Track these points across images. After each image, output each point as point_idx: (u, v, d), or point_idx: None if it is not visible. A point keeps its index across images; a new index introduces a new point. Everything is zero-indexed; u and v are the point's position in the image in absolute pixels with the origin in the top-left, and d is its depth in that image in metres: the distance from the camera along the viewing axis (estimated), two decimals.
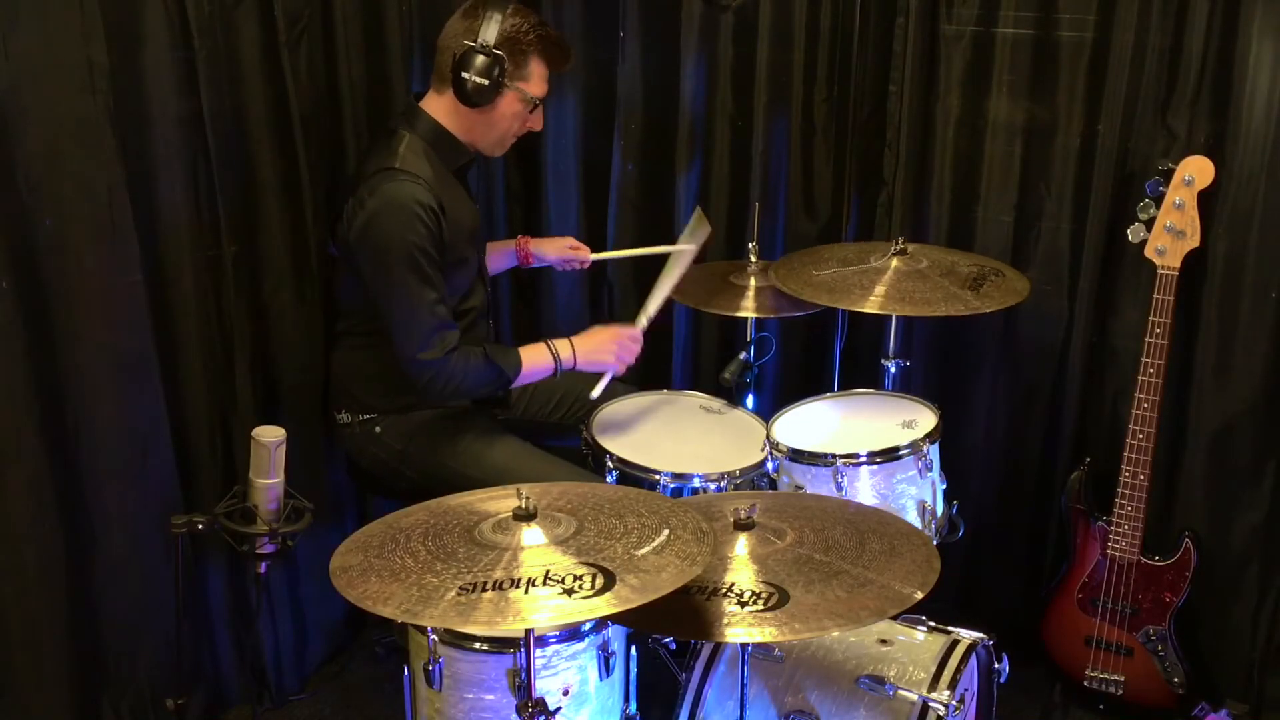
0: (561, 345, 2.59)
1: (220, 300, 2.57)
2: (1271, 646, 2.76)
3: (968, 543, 2.73)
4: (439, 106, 2.52)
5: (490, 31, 2.43)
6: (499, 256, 2.92)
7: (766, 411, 2.68)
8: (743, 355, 2.84)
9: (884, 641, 2.23)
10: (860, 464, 2.43)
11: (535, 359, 2.57)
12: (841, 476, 2.41)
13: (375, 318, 2.50)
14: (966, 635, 2.25)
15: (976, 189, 2.92)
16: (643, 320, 2.68)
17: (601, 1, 3.07)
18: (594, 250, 2.97)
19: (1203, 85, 2.60)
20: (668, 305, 2.78)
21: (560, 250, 2.95)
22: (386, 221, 2.38)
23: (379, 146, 2.51)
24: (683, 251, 2.77)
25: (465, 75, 2.43)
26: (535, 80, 2.53)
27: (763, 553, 1.92)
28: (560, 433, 2.87)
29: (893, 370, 2.80)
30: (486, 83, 2.44)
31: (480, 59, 2.43)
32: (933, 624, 2.29)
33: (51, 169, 2.19)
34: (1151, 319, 2.56)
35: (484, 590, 1.66)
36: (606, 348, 2.61)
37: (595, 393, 2.63)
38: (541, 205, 3.21)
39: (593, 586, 1.66)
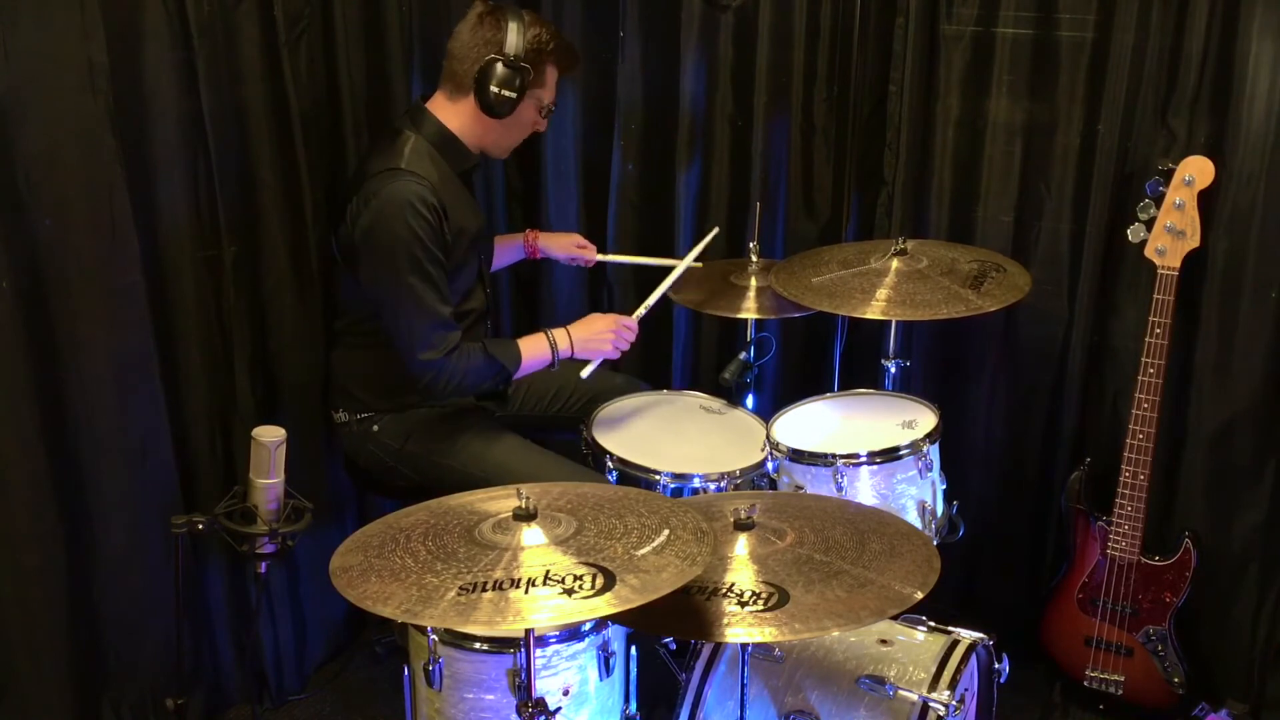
0: (559, 335, 2.60)
1: (220, 300, 2.58)
2: (1271, 646, 2.75)
3: (968, 543, 2.73)
4: (450, 112, 2.51)
5: (515, 43, 2.43)
6: (506, 250, 2.94)
7: (766, 411, 2.68)
8: (743, 355, 2.84)
9: (884, 641, 2.23)
10: (860, 464, 2.43)
11: (534, 350, 2.58)
12: (841, 476, 2.41)
13: (374, 317, 2.50)
14: (966, 635, 2.25)
15: (976, 189, 2.92)
16: (640, 311, 2.68)
17: (601, 1, 3.07)
18: (600, 251, 2.98)
19: (1203, 85, 2.59)
20: (666, 303, 2.79)
21: (566, 248, 2.96)
22: (390, 221, 2.38)
23: (383, 147, 2.50)
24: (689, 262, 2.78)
25: (492, 87, 2.43)
26: (549, 86, 2.55)
27: (763, 553, 1.92)
28: (559, 425, 2.87)
29: (893, 370, 2.80)
30: (514, 95, 2.44)
31: (506, 71, 2.43)
32: (933, 624, 2.29)
33: (51, 169, 2.20)
34: (1151, 319, 2.56)
35: (484, 590, 1.66)
36: (603, 336, 2.62)
37: (585, 373, 2.63)
38: (542, 205, 3.21)
39: (593, 586, 1.66)
